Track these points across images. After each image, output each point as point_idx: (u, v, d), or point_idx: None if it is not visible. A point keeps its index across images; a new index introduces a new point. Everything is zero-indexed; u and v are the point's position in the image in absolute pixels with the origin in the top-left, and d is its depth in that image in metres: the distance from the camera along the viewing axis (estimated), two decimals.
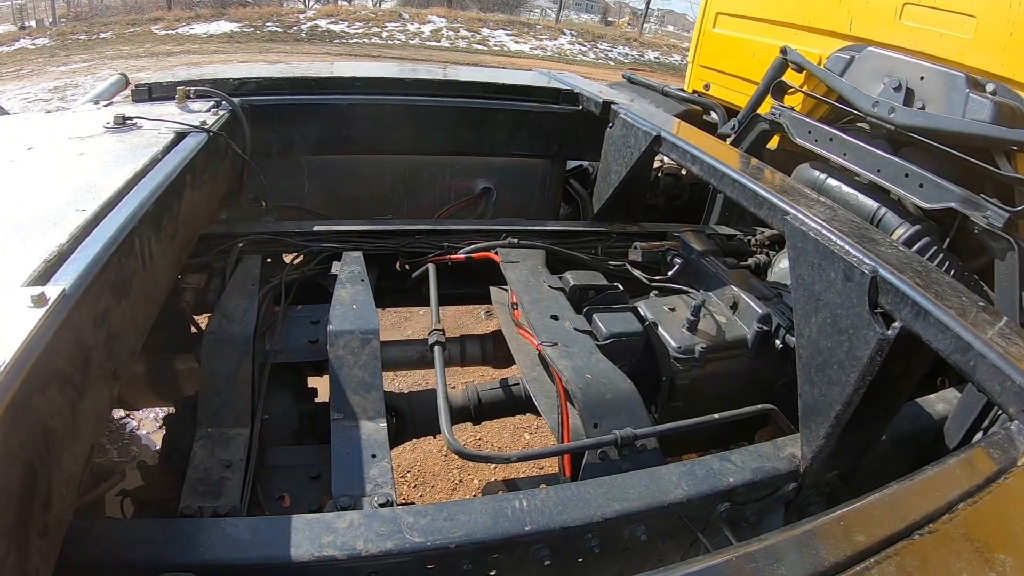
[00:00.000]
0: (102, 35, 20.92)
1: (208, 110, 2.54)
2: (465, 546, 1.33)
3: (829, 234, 1.70)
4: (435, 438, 4.10)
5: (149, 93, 2.77)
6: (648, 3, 34.32)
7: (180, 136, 2.19)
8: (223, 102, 2.59)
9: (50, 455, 1.07)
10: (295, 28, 22.65)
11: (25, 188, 1.70)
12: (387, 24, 24.17)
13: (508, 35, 25.39)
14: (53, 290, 1.11)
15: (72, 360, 1.17)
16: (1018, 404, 1.20)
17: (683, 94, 4.04)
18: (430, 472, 3.93)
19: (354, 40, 22.13)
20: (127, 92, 3.02)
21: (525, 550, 1.39)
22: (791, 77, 3.11)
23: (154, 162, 1.93)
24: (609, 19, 38.60)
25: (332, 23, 23.53)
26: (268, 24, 22.60)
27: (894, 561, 0.92)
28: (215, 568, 1.25)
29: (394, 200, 3.26)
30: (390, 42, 22.43)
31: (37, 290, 1.09)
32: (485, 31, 25.05)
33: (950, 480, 1.10)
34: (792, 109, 3.07)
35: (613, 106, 3.02)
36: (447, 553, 1.32)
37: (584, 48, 26.17)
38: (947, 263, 2.33)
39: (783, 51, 3.08)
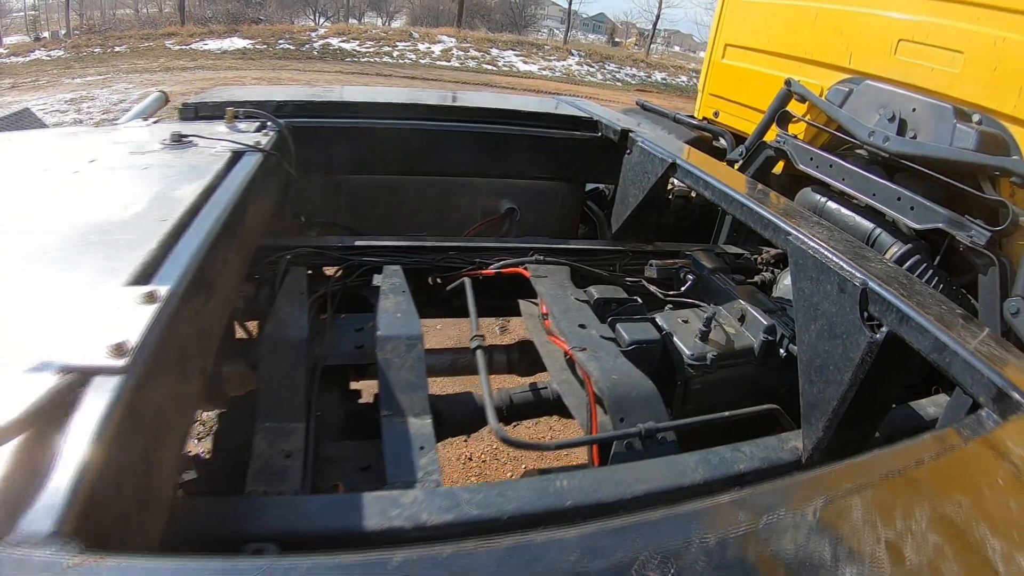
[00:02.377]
0: (116, 48, 21.12)
1: (256, 130, 2.68)
2: (516, 518, 1.49)
3: (826, 252, 1.94)
4: (454, 446, 4.32)
5: (195, 112, 2.95)
6: (655, 24, 34.58)
7: (237, 154, 2.35)
8: (269, 123, 2.76)
9: (160, 435, 1.24)
10: (307, 46, 22.83)
11: (100, 197, 1.87)
12: (397, 43, 24.34)
13: (517, 55, 25.57)
14: (161, 289, 1.28)
15: (176, 353, 1.33)
16: (987, 394, 1.41)
17: (694, 121, 4.26)
18: (449, 479, 4.12)
19: (365, 59, 22.29)
20: (165, 107, 3.24)
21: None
22: (795, 107, 3.33)
23: (219, 178, 2.09)
24: (616, 40, 38.85)
25: (344, 42, 23.71)
26: (280, 42, 22.79)
27: (860, 495, 1.09)
28: (294, 537, 1.38)
29: (425, 219, 3.44)
30: (401, 61, 22.61)
31: (147, 288, 1.27)
32: (494, 51, 25.25)
33: (921, 448, 1.30)
34: (796, 137, 3.30)
35: (631, 134, 3.23)
36: (499, 524, 1.48)
37: (592, 69, 26.34)
38: (936, 278, 2.54)
39: (787, 83, 3.30)
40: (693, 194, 3.92)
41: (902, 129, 2.73)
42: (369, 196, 3.36)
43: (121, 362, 1.05)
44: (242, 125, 2.71)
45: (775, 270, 3.05)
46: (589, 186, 3.89)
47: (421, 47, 24.32)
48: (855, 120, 2.92)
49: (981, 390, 1.44)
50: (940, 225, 2.46)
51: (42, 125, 3.57)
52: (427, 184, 3.43)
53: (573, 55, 27.62)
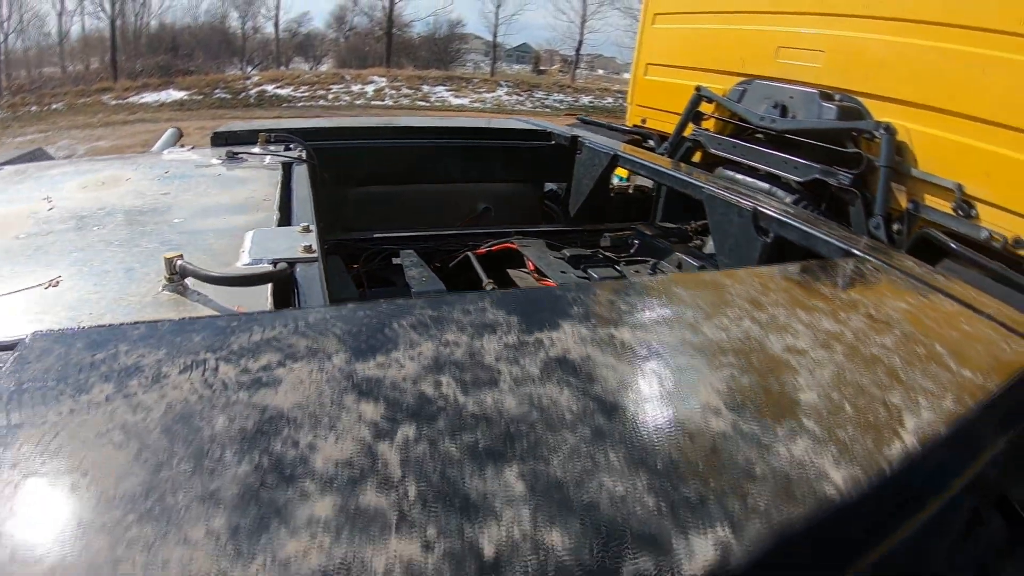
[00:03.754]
0: (53, 106, 21.14)
1: (285, 150, 3.11)
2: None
3: (727, 194, 2.81)
4: None
5: (226, 140, 3.35)
6: (578, 50, 35.66)
7: (287, 165, 2.83)
8: (294, 144, 3.24)
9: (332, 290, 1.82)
10: (243, 94, 23.11)
11: (210, 192, 2.34)
12: (331, 86, 24.74)
13: (447, 90, 26.23)
14: (308, 224, 1.92)
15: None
16: (836, 254, 2.23)
17: (626, 128, 5.11)
18: None
19: (301, 103, 22.69)
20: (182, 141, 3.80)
21: None
22: (705, 107, 4.16)
23: (286, 182, 2.58)
24: (541, 68, 39.39)
25: (278, 88, 23.99)
26: (216, 91, 23.00)
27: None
28: None
29: (419, 219, 4.06)
30: (336, 103, 23.06)
31: (302, 224, 1.92)
32: (425, 88, 25.87)
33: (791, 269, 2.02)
34: (707, 130, 4.14)
35: (579, 138, 4.10)
36: None
37: (521, 98, 27.09)
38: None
39: (698, 89, 4.12)
40: (631, 189, 4.80)
41: (784, 112, 3.58)
42: (371, 204, 3.98)
43: (313, 256, 1.72)
44: (272, 147, 3.15)
45: (703, 238, 3.89)
46: (547, 188, 4.70)
47: (354, 88, 24.81)
48: (750, 110, 3.77)
49: (833, 252, 2.27)
50: (817, 176, 3.27)
51: (47, 156, 3.84)
52: (419, 191, 4.12)
53: (501, 86, 28.41)
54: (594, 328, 1.29)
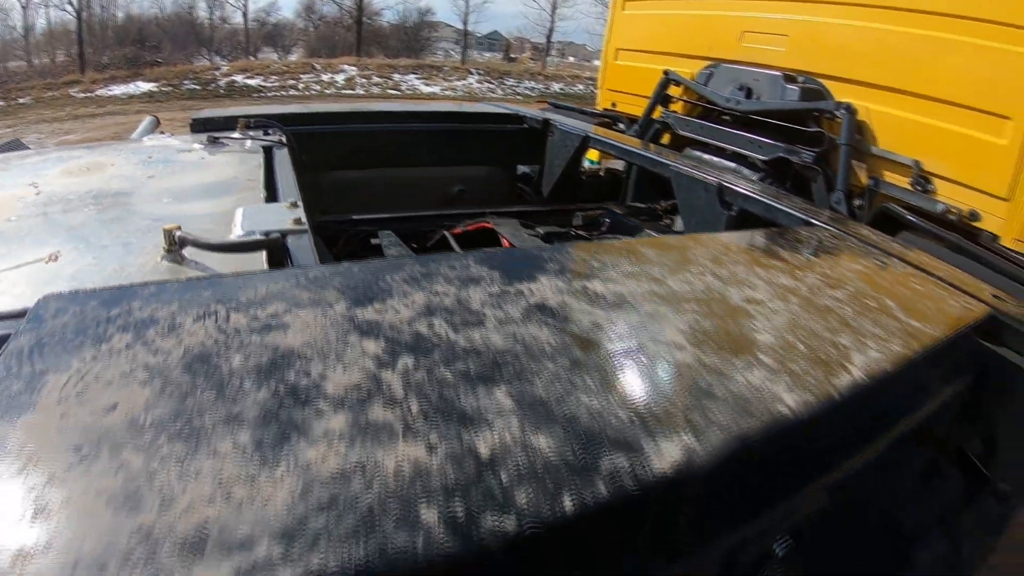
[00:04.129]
0: (20, 100, 20.81)
1: (264, 135, 3.15)
2: None
3: (693, 171, 2.93)
4: None
5: (204, 126, 3.37)
6: (549, 37, 35.73)
7: (268, 149, 2.89)
8: (273, 129, 3.28)
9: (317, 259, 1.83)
10: (213, 85, 22.95)
11: (197, 173, 2.40)
12: (301, 76, 24.58)
13: (418, 78, 26.20)
14: (295, 200, 2.03)
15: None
16: (796, 223, 2.37)
17: (596, 111, 5.22)
18: None
19: (272, 93, 22.57)
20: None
21: None
22: (673, 90, 4.28)
23: (269, 164, 2.65)
24: (512, 56, 39.39)
25: (248, 78, 23.78)
26: (186, 82, 22.79)
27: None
28: None
29: (394, 203, 4.13)
30: (307, 92, 22.98)
31: (289, 200, 2.03)
32: (396, 76, 25.81)
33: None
34: (675, 112, 4.26)
35: (551, 121, 4.19)
36: None
37: (492, 85, 27.14)
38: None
39: (666, 72, 4.24)
40: (602, 172, 4.91)
41: (749, 94, 3.69)
42: (348, 188, 4.05)
43: (303, 227, 1.81)
44: (252, 132, 3.19)
45: (672, 217, 4.01)
46: (520, 171, 4.79)
47: (324, 77, 24.72)
48: (716, 93, 3.88)
49: (794, 223, 2.40)
50: (781, 154, 3.40)
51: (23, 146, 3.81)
52: (395, 175, 4.20)
53: (472, 74, 28.44)
54: (569, 281, 1.41)
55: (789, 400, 1.05)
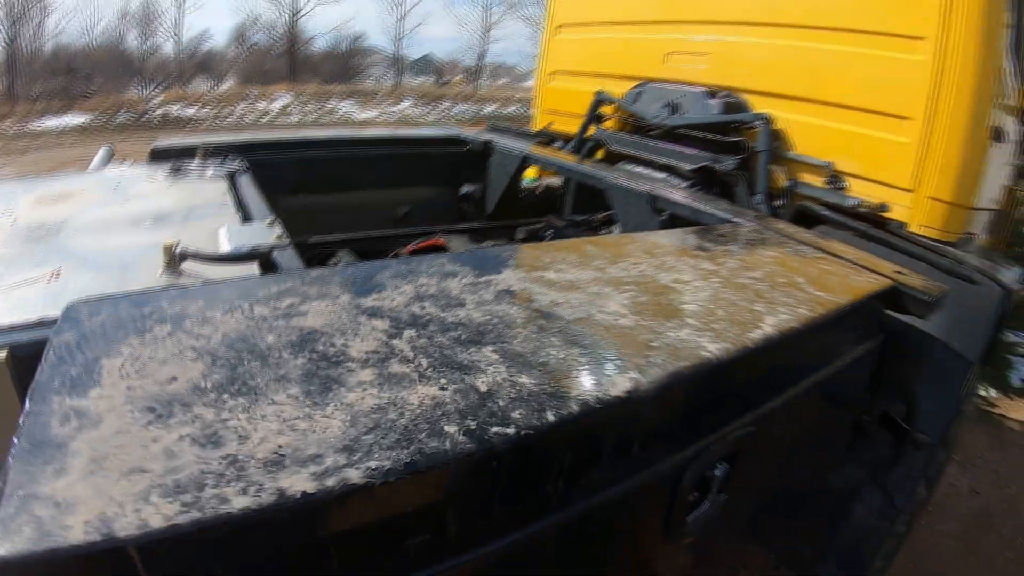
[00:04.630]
0: None
1: (222, 163, 3.26)
2: None
3: (626, 182, 3.23)
4: None
5: (163, 155, 3.43)
6: (480, 59, 36.06)
7: (231, 175, 3.03)
8: (230, 157, 3.39)
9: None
10: (147, 116, 22.61)
11: (170, 198, 2.51)
12: (236, 104, 24.42)
13: (353, 104, 26.24)
14: (272, 219, 2.20)
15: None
16: (719, 223, 2.65)
17: (533, 132, 5.49)
18: None
19: (208, 123, 22.31)
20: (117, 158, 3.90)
21: None
22: (605, 109, 4.55)
23: (235, 188, 2.80)
24: (444, 79, 39.63)
25: (184, 107, 23.46)
26: (120, 113, 22.35)
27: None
28: None
29: (346, 225, 4.28)
30: (243, 121, 22.83)
31: (268, 219, 2.19)
32: (331, 103, 25.87)
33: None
34: (608, 130, 4.54)
35: (491, 142, 4.48)
36: None
37: (426, 110, 27.25)
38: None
39: (598, 93, 4.52)
40: (540, 190, 5.19)
41: (675, 110, 3.98)
42: (302, 212, 4.06)
43: (285, 242, 1.98)
44: (210, 160, 3.31)
45: (608, 227, 4.27)
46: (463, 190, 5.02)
47: (260, 106, 24.53)
48: (645, 110, 4.18)
49: (719, 223, 2.68)
50: (706, 163, 3.68)
51: None
52: (346, 198, 4.36)
53: (406, 99, 28.61)
54: (528, 272, 1.67)
55: (712, 348, 1.34)
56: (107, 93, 25.08)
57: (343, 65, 36.16)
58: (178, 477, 0.81)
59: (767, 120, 3.51)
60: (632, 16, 4.53)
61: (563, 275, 1.66)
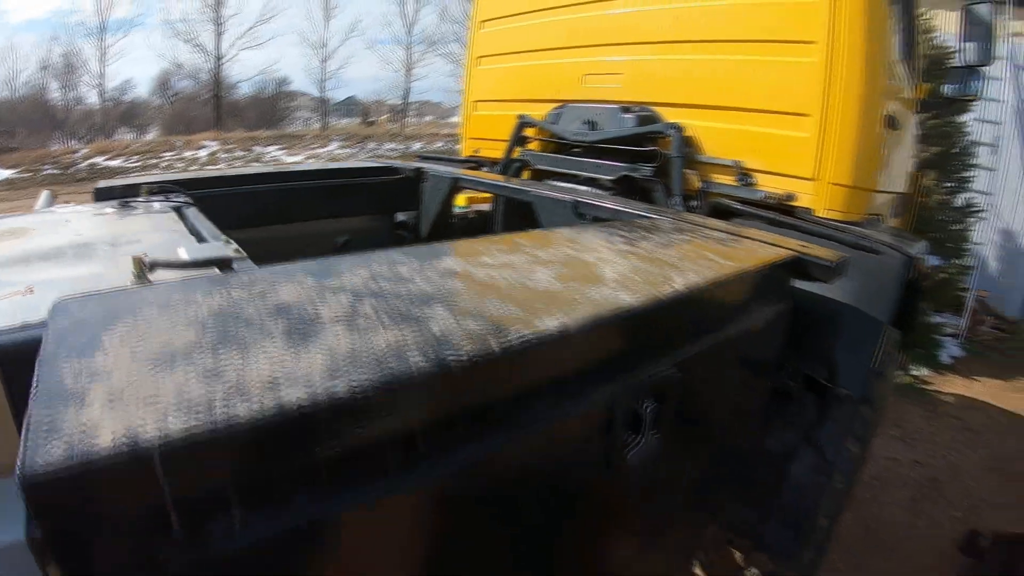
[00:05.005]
0: None
1: (167, 198, 3.32)
2: None
3: (550, 193, 3.47)
4: None
5: (107, 194, 3.49)
6: (406, 98, 36.35)
7: (178, 208, 3.11)
8: (174, 193, 3.44)
9: None
10: (73, 168, 22.33)
11: (116, 235, 2.53)
12: (163, 154, 24.25)
13: (280, 149, 26.22)
14: (226, 239, 2.36)
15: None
16: (634, 218, 2.88)
17: (462, 159, 5.70)
18: None
19: (134, 173, 22.10)
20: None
21: None
22: (528, 131, 4.76)
23: (184, 219, 2.88)
24: (370, 119, 39.82)
25: (109, 159, 23.18)
26: (46, 167, 22.03)
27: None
28: None
29: (288, 256, 4.46)
30: (170, 171, 22.77)
31: (223, 240, 2.35)
32: (258, 148, 25.79)
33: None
34: (532, 150, 4.74)
35: (423, 169, 4.68)
36: None
37: (354, 150, 27.37)
38: None
39: (520, 117, 4.73)
40: (471, 214, 5.40)
41: (594, 127, 4.22)
42: (243, 246, 4.26)
43: (243, 256, 2.15)
44: (154, 197, 3.38)
45: None
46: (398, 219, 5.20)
47: (187, 154, 24.41)
48: (565, 129, 4.40)
49: (636, 219, 2.91)
50: (624, 173, 3.93)
51: None
52: (285, 231, 4.43)
53: (334, 140, 28.70)
54: (467, 257, 1.89)
55: (628, 299, 1.59)
56: (31, 147, 24.69)
57: (269, 110, 36.17)
58: (189, 400, 0.94)
59: (678, 129, 3.78)
60: (548, 44, 4.77)
61: (497, 259, 1.88)
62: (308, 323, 1.26)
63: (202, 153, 24.66)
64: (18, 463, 0.80)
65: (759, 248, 2.42)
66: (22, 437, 0.85)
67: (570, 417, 1.50)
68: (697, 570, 3.65)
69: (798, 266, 2.42)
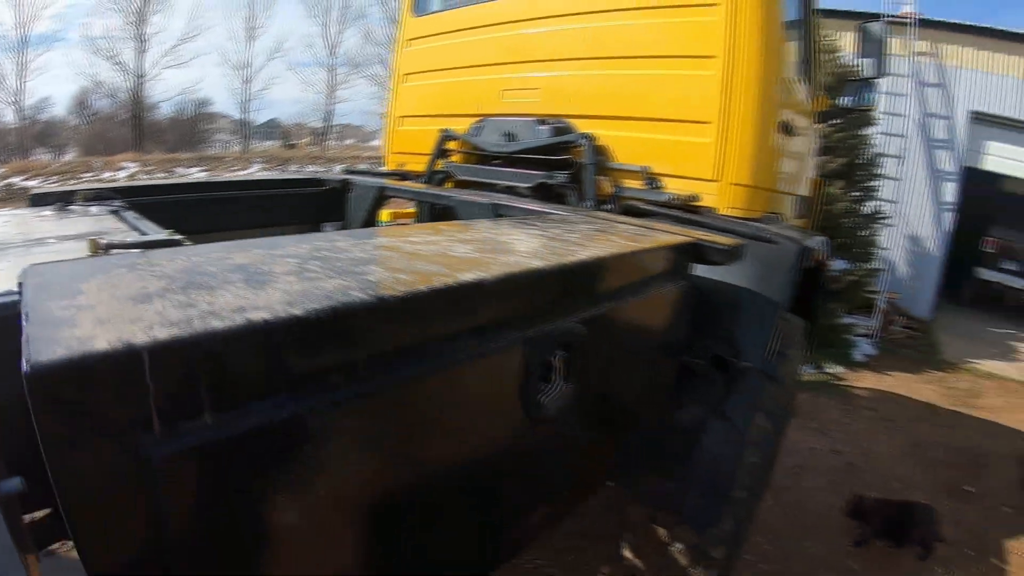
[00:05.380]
0: None
1: (103, 204, 3.41)
2: None
3: (470, 198, 3.67)
4: None
5: (44, 200, 3.47)
6: (327, 120, 36.19)
7: (115, 212, 3.19)
8: (108, 199, 3.52)
9: None
10: None
11: (65, 229, 2.65)
12: (82, 175, 23.70)
13: (202, 171, 25.81)
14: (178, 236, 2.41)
15: None
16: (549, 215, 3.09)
17: (387, 171, 5.85)
18: None
19: None
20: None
21: None
22: (451, 144, 4.94)
23: (126, 220, 2.97)
24: (291, 142, 39.48)
25: (26, 180, 22.58)
26: None
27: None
28: None
29: None
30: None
31: (168, 231, 2.42)
32: (179, 170, 25.34)
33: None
34: (454, 162, 4.92)
35: (349, 179, 4.83)
36: None
37: (275, 173, 27.21)
38: None
39: (443, 131, 4.91)
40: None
41: (512, 138, 4.42)
42: None
43: (181, 237, 2.31)
44: (91, 203, 3.45)
45: None
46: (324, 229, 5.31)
47: (106, 176, 23.97)
48: (485, 141, 4.60)
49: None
50: (541, 180, 4.14)
51: None
52: (217, 240, 4.51)
53: (255, 163, 28.42)
54: (396, 237, 2.13)
55: (538, 263, 1.83)
56: None
57: (189, 131, 35.64)
58: (170, 320, 1.09)
59: (590, 139, 4.03)
60: (471, 61, 4.97)
61: (423, 238, 2.10)
62: (264, 275, 1.43)
63: (121, 175, 24.15)
64: (24, 365, 0.92)
65: (660, 235, 2.67)
66: (23, 349, 0.96)
67: (490, 355, 1.71)
68: (625, 552, 3.84)
69: (697, 251, 2.67)
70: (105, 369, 0.96)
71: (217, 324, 1.10)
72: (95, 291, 1.25)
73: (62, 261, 1.50)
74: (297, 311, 1.22)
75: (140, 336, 1.01)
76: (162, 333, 1.03)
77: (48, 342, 0.96)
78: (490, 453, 1.88)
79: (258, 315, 1.16)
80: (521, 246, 2.08)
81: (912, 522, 5.00)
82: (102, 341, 0.98)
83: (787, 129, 4.01)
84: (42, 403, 0.93)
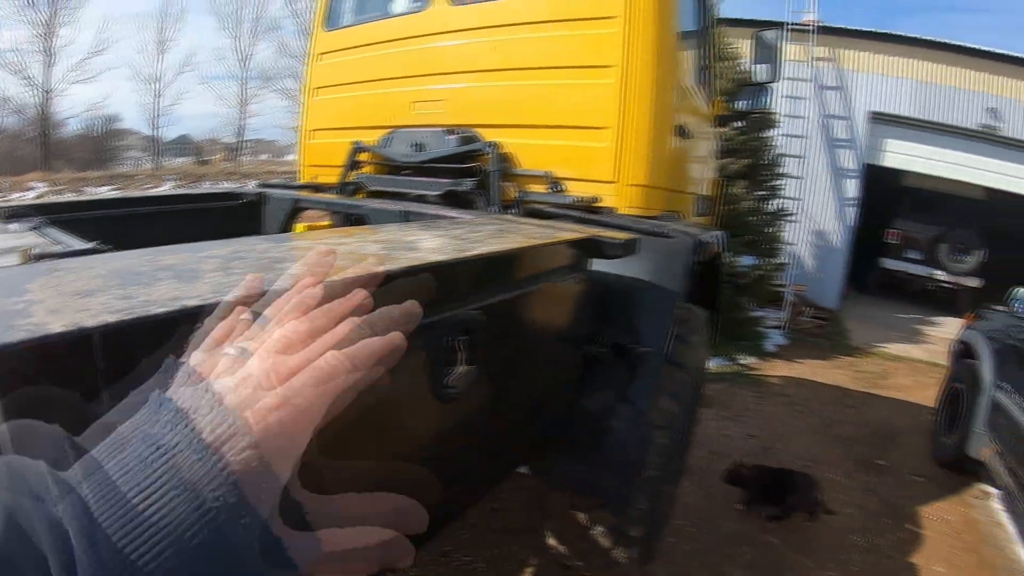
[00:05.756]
0: None
1: (22, 221, 3.33)
2: None
3: (382, 206, 3.81)
4: None
5: None
6: (240, 135, 35.74)
7: (36, 228, 3.20)
8: (28, 216, 3.41)
9: None
10: None
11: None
12: None
13: (112, 190, 25.14)
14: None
15: None
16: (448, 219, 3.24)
17: (302, 184, 5.92)
18: None
19: None
20: None
21: None
22: (362, 156, 5.05)
23: (48, 235, 3.03)
24: (204, 158, 38.83)
25: None
26: None
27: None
28: None
29: None
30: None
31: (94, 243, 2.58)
32: (89, 189, 24.74)
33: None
34: (365, 174, 5.04)
35: (265, 192, 4.90)
36: None
37: (189, 190, 26.83)
38: None
39: (355, 143, 5.01)
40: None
41: (421, 149, 4.57)
42: None
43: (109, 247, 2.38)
44: (9, 220, 3.39)
45: None
46: None
47: (13, 196, 23.33)
48: (396, 152, 4.74)
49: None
50: (449, 188, 4.28)
51: None
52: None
53: (167, 180, 27.89)
54: (310, 240, 2.44)
55: (439, 257, 1.97)
56: None
57: (98, 149, 34.79)
58: (115, 308, 1.16)
59: (495, 146, 4.20)
60: (381, 74, 5.10)
61: (336, 239, 2.23)
62: (192, 272, 1.51)
63: (29, 195, 23.43)
64: None
65: (558, 233, 2.83)
66: None
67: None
68: (549, 540, 4.00)
69: (594, 246, 2.82)
70: (61, 347, 1.05)
71: (157, 310, 1.19)
72: (40, 290, 1.32)
73: (2, 267, 1.62)
74: (227, 298, 1.35)
75: (90, 321, 1.10)
76: (111, 318, 1.13)
77: (9, 329, 1.05)
78: (403, 436, 1.98)
79: (192, 303, 1.25)
80: (425, 244, 2.22)
81: (791, 488, 5.33)
82: (56, 326, 1.07)
83: (683, 132, 4.26)
84: (7, 380, 1.00)
